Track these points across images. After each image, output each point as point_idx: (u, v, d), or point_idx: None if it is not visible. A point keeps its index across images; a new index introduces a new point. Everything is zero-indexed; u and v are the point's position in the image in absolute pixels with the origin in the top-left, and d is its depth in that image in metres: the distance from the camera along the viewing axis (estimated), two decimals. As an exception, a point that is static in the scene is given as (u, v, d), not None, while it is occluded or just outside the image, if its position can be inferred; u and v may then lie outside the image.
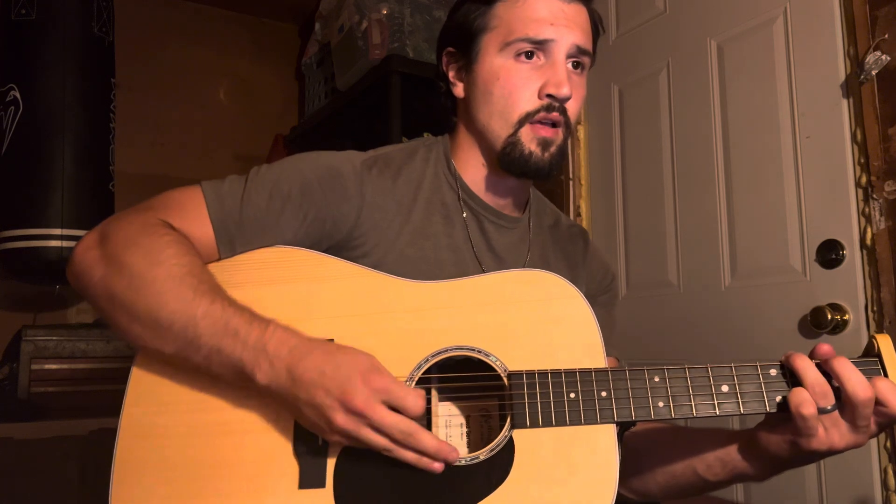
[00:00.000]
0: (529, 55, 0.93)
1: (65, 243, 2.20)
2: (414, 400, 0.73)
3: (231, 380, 0.78)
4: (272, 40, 3.38)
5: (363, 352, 0.76)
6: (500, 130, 0.95)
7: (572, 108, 0.95)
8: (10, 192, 2.23)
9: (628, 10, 2.05)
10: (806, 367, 0.77)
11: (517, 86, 0.93)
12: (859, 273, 1.42)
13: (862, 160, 1.42)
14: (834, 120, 1.49)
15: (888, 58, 1.36)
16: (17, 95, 2.23)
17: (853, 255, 1.43)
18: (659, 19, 1.95)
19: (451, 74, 1.03)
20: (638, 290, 1.95)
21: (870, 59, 1.38)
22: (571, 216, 2.11)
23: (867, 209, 1.40)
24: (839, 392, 0.76)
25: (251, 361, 0.75)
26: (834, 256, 1.45)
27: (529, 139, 0.93)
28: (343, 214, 0.92)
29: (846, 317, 1.42)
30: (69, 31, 2.30)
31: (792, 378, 0.78)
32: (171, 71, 3.05)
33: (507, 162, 0.95)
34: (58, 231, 2.20)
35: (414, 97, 2.23)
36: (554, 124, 0.94)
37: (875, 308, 1.37)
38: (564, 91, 0.91)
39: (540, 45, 0.92)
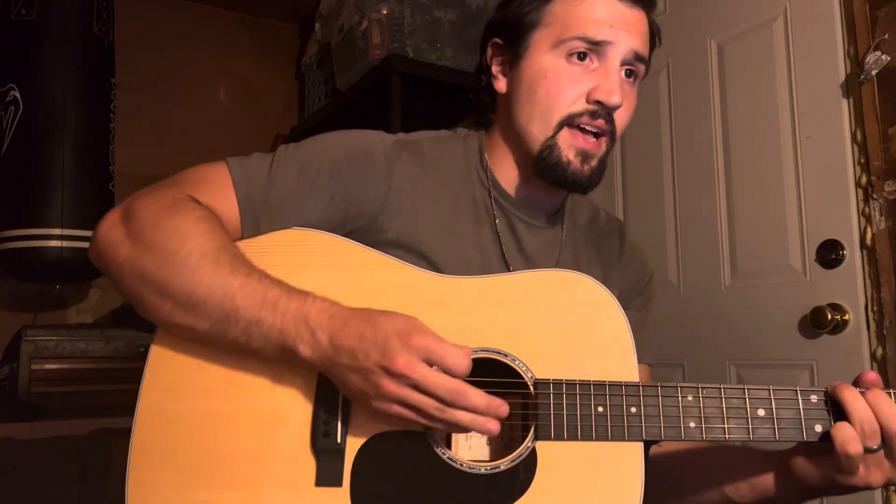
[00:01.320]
0: (582, 56, 0.87)
1: (65, 243, 2.20)
2: (456, 358, 0.69)
3: (272, 353, 0.76)
4: (272, 40, 3.38)
5: (403, 314, 0.73)
6: (538, 133, 0.89)
7: (621, 118, 0.89)
8: (10, 192, 2.23)
9: (628, 10, 2.04)
10: (854, 400, 0.72)
11: (564, 86, 0.87)
12: (859, 273, 1.42)
13: (862, 160, 1.42)
14: (834, 120, 1.49)
15: (888, 58, 1.36)
16: (17, 95, 2.23)
17: (853, 255, 1.43)
18: (659, 19, 1.92)
19: (494, 68, 0.96)
20: (638, 290, 1.95)
21: (870, 59, 1.38)
22: (571, 216, 2.11)
23: (867, 209, 1.40)
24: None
25: (293, 333, 0.73)
26: (834, 256, 1.45)
27: (567, 146, 0.87)
28: (370, 197, 0.88)
29: (846, 317, 1.42)
30: (69, 31, 2.30)
31: (834, 407, 0.74)
32: (171, 71, 3.05)
33: (542, 168, 0.89)
34: (58, 231, 2.20)
35: (414, 97, 2.23)
36: (597, 134, 0.88)
37: (875, 308, 1.37)
38: (615, 99, 0.85)
39: (595, 47, 0.87)
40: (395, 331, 0.70)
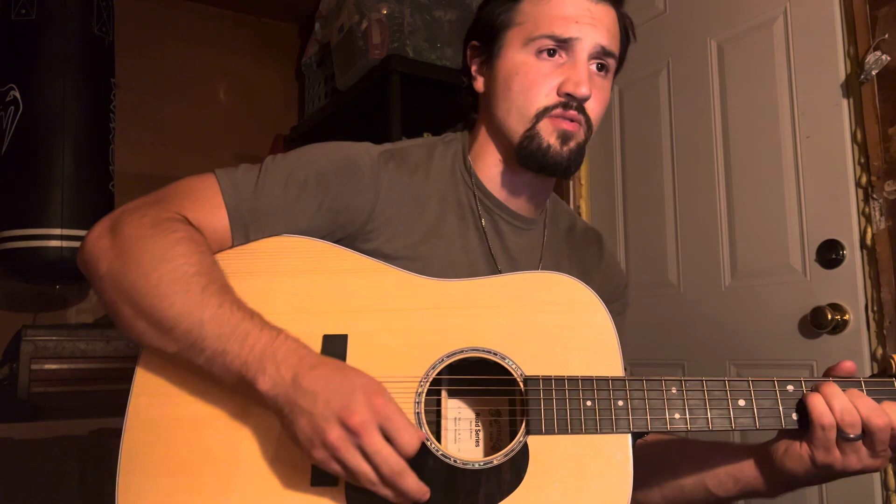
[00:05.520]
0: (552, 53, 0.91)
1: (65, 243, 2.20)
2: (410, 437, 0.70)
3: (231, 384, 0.76)
4: (272, 40, 3.38)
5: (374, 378, 0.74)
6: (516, 126, 0.93)
7: (593, 109, 0.93)
8: (10, 192, 2.23)
9: (628, 10, 2.03)
10: (833, 394, 0.75)
11: (536, 81, 0.91)
12: (859, 273, 1.42)
13: (862, 160, 1.42)
14: (834, 120, 1.49)
15: (888, 58, 1.36)
16: (17, 95, 2.23)
17: (853, 255, 1.43)
18: (659, 19, 1.95)
19: (473, 69, 1.01)
20: (638, 290, 1.94)
21: (870, 59, 1.38)
22: (571, 216, 2.11)
23: (867, 209, 1.40)
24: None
25: (256, 365, 0.73)
26: (834, 256, 1.45)
27: (549, 132, 0.91)
28: (357, 207, 0.90)
29: (846, 317, 1.42)
30: (69, 30, 2.30)
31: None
32: (171, 71, 3.05)
33: (524, 156, 0.92)
34: (58, 231, 2.20)
35: (414, 97, 2.23)
36: (573, 121, 0.92)
37: (875, 308, 1.37)
38: (583, 90, 0.89)
39: (563, 44, 0.91)
40: (362, 387, 0.71)
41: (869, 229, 1.39)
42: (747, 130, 1.68)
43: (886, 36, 1.37)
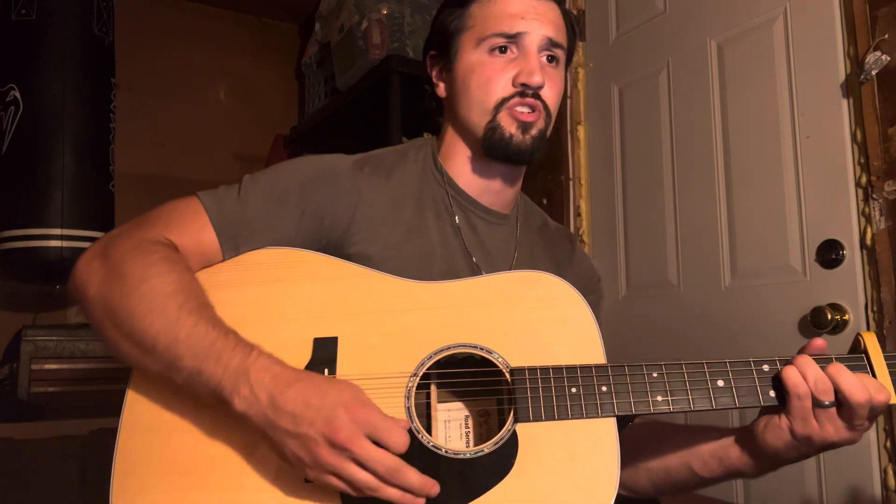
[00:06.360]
0: (503, 50, 0.97)
1: (65, 243, 2.20)
2: (398, 436, 0.72)
3: (211, 402, 0.77)
4: (272, 40, 3.39)
5: (348, 382, 0.75)
6: (479, 119, 0.98)
7: (549, 97, 0.98)
8: (10, 192, 2.23)
9: (628, 10, 2.04)
10: (806, 364, 0.80)
11: (492, 77, 0.97)
12: (859, 273, 1.42)
13: (862, 160, 1.42)
14: (834, 120, 1.49)
15: (888, 58, 1.36)
16: (17, 95, 2.23)
17: (853, 255, 1.43)
18: (659, 19, 1.94)
19: (434, 76, 1.08)
20: (638, 290, 1.94)
21: (870, 59, 1.38)
22: (571, 216, 2.11)
23: (867, 209, 1.40)
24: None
25: (230, 386, 0.73)
26: (834, 256, 1.45)
27: (509, 122, 0.96)
28: (340, 211, 0.93)
29: (846, 317, 1.42)
30: (69, 31, 2.30)
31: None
32: (171, 71, 3.05)
33: (489, 147, 0.98)
34: (58, 231, 2.20)
35: (414, 97, 2.23)
36: (532, 109, 0.96)
37: (875, 308, 1.37)
38: (536, 79, 0.95)
39: (513, 39, 0.97)
40: (341, 401, 0.72)
41: (869, 229, 1.39)
42: (747, 130, 1.68)
43: (886, 36, 1.37)
